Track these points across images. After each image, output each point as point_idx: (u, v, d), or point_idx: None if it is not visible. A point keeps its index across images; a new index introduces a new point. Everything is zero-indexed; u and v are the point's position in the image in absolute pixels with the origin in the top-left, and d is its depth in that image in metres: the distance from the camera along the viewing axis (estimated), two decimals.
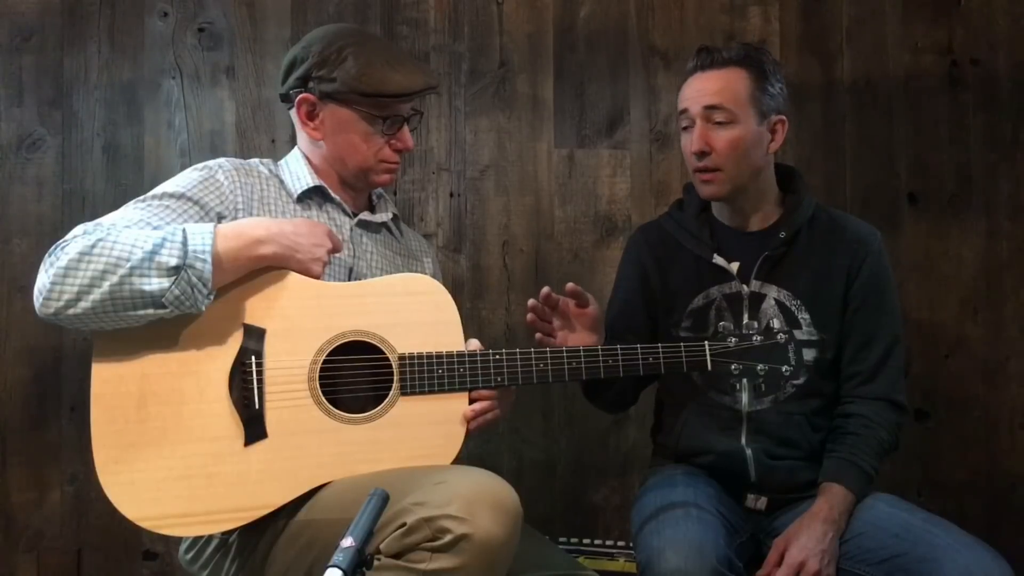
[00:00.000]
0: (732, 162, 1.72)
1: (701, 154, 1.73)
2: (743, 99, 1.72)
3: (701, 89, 1.74)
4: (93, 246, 1.37)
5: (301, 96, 1.64)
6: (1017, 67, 2.42)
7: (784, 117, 1.77)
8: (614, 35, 2.43)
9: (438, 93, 1.76)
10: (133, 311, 1.38)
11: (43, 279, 1.38)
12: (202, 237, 1.40)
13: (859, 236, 1.79)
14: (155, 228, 1.45)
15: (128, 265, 1.36)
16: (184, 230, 1.40)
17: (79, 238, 1.39)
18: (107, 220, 1.46)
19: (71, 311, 1.36)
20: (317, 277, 1.52)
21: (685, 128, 1.77)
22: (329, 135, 1.66)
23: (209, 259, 1.38)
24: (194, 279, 1.37)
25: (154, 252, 1.37)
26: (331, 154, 1.68)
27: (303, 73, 1.63)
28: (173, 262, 1.36)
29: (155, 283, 1.36)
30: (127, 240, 1.38)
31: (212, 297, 1.42)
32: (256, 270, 1.51)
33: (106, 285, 1.35)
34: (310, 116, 1.66)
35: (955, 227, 2.41)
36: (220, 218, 1.54)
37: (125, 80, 2.37)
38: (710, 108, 1.72)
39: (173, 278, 1.36)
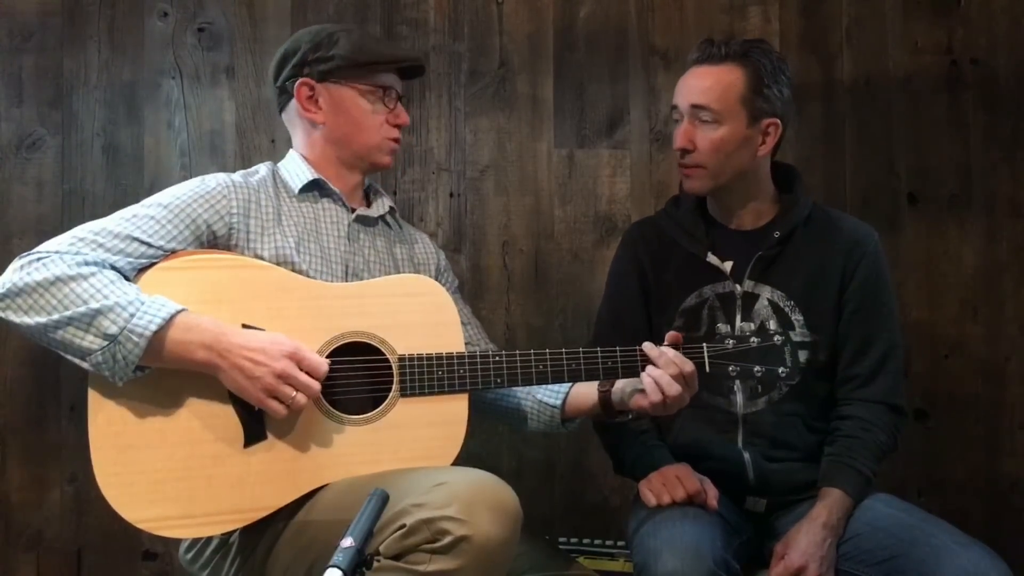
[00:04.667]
0: (714, 161, 1.72)
1: (683, 151, 1.73)
2: (733, 99, 1.70)
3: (693, 85, 1.73)
4: (54, 282, 1.38)
5: (300, 81, 1.67)
6: (1017, 67, 2.41)
7: (778, 121, 1.75)
8: (614, 35, 2.43)
9: (421, 75, 1.80)
10: (62, 352, 1.40)
11: (6, 279, 1.41)
12: (151, 317, 1.37)
13: (855, 237, 1.78)
14: (144, 243, 1.47)
15: (69, 314, 1.37)
16: (143, 302, 1.39)
17: (55, 260, 1.41)
18: (96, 227, 1.47)
19: (11, 319, 1.40)
20: (268, 409, 1.42)
21: (676, 121, 1.77)
22: (330, 117, 1.68)
23: (144, 342, 1.36)
24: (119, 356, 1.37)
25: (99, 312, 1.36)
26: (333, 136, 1.69)
27: (298, 61, 1.67)
28: (112, 330, 1.36)
29: (87, 341, 1.37)
30: (87, 288, 1.38)
31: (139, 373, 1.41)
32: (255, 270, 1.52)
33: (46, 320, 1.37)
34: (310, 100, 1.69)
35: (955, 227, 2.41)
36: (208, 227, 1.54)
37: (125, 80, 2.37)
38: (697, 107, 1.71)
39: (105, 344, 1.36)
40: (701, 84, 1.71)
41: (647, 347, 1.54)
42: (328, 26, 1.72)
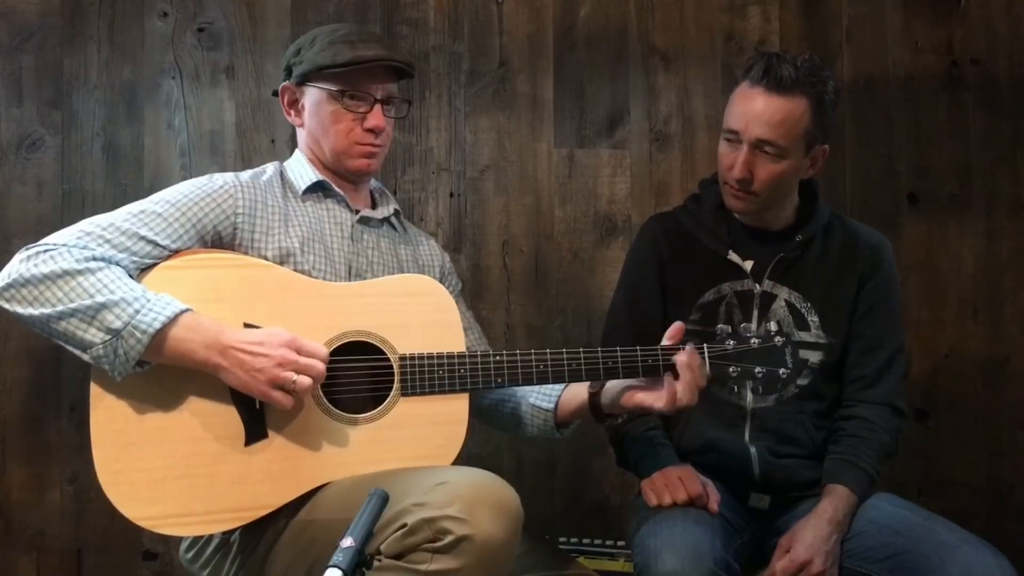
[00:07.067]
0: (769, 192, 1.71)
1: (742, 181, 1.69)
2: (798, 134, 1.66)
3: (760, 116, 1.65)
4: (61, 275, 1.38)
5: (283, 85, 1.71)
6: (1017, 67, 2.42)
7: (827, 147, 1.74)
8: (614, 35, 2.43)
9: (410, 75, 1.72)
10: (63, 342, 1.40)
11: (12, 270, 1.40)
12: (156, 314, 1.38)
13: (872, 244, 1.81)
14: (150, 242, 1.47)
15: (74, 306, 1.37)
16: (149, 299, 1.39)
17: (63, 253, 1.40)
18: (103, 222, 1.47)
19: (15, 310, 1.39)
20: (272, 401, 1.42)
21: (729, 141, 1.71)
22: (307, 120, 1.70)
23: (146, 339, 1.37)
24: (121, 351, 1.37)
25: (104, 306, 1.37)
26: (310, 139, 1.70)
27: (286, 64, 1.70)
28: (116, 324, 1.37)
29: (90, 334, 1.37)
30: (94, 283, 1.38)
31: (139, 369, 1.41)
32: (257, 269, 1.52)
33: (50, 311, 1.37)
34: (292, 104, 1.71)
35: (955, 227, 2.41)
36: (214, 228, 1.54)
37: (125, 80, 2.37)
38: (763, 141, 1.66)
39: (107, 338, 1.37)
40: (771, 118, 1.64)
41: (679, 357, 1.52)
42: (321, 30, 1.69)
